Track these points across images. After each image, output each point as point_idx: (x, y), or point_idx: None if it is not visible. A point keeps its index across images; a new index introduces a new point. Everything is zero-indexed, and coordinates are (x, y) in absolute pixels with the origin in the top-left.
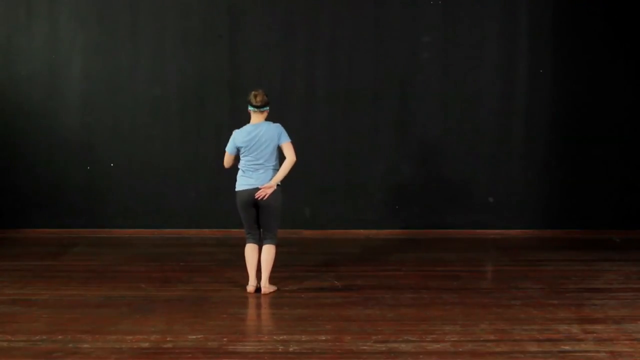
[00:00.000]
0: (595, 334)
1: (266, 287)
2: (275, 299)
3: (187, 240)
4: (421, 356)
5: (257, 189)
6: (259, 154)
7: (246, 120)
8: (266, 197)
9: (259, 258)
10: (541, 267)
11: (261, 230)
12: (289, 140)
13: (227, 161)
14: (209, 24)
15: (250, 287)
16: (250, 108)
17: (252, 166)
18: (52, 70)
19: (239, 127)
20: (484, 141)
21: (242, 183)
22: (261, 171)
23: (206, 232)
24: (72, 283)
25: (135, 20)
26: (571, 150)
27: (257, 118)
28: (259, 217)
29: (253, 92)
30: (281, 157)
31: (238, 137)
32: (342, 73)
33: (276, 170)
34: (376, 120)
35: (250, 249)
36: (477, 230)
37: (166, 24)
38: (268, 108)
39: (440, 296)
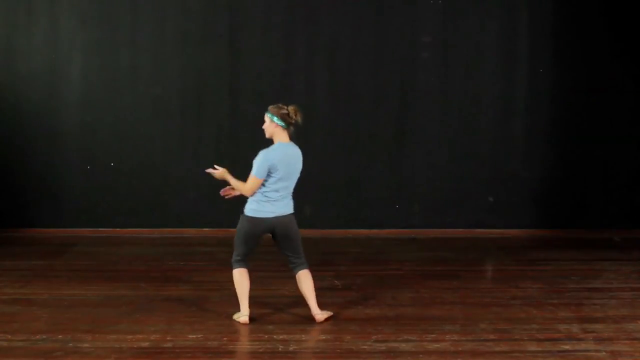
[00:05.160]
0: (595, 334)
1: (320, 313)
2: (275, 299)
3: (187, 240)
4: (421, 356)
5: (279, 217)
6: (292, 180)
7: (246, 119)
8: (285, 226)
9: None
10: (541, 267)
11: (290, 257)
12: None
13: (255, 189)
14: (209, 24)
15: (245, 316)
16: (280, 124)
17: (282, 193)
18: (52, 69)
19: (238, 126)
20: (484, 141)
21: (268, 210)
22: (287, 199)
23: (206, 232)
24: (72, 282)
25: (135, 20)
26: (571, 150)
27: (286, 137)
28: (283, 246)
29: (292, 107)
30: None
31: (275, 159)
32: (342, 73)
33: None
34: (376, 120)
35: (242, 274)
36: (477, 230)
37: (166, 24)
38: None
39: (440, 296)
